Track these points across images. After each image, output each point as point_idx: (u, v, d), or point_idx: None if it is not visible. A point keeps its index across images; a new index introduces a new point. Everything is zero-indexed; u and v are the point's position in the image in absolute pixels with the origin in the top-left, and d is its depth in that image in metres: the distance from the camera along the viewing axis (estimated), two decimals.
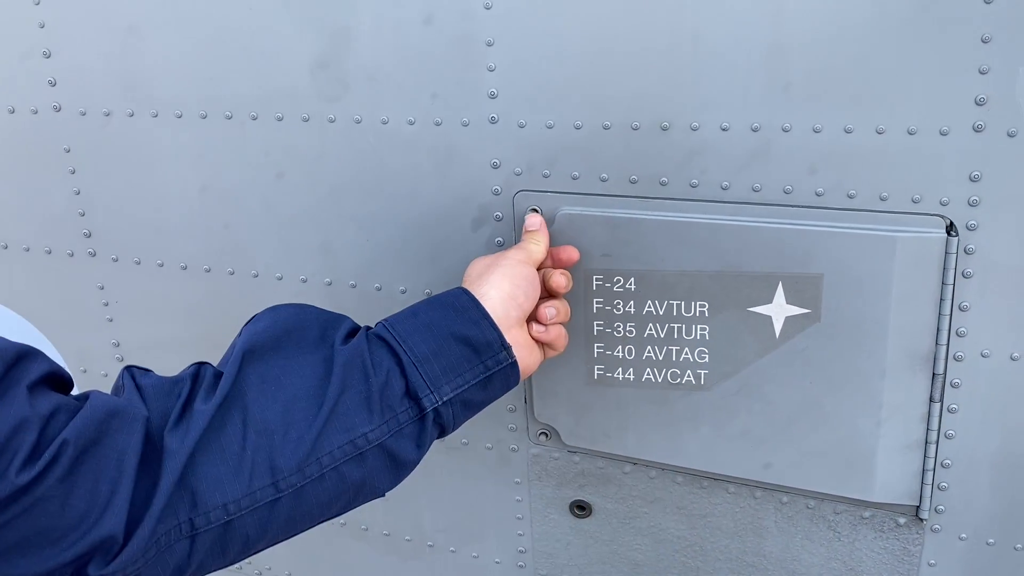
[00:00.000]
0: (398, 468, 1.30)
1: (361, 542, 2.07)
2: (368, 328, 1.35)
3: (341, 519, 2.06)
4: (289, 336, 1.28)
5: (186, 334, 1.94)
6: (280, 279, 1.81)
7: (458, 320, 1.32)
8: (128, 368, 1.21)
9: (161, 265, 1.88)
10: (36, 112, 1.83)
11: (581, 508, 1.85)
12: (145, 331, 1.99)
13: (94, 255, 1.91)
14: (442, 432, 1.35)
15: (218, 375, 1.22)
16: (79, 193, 1.86)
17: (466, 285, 1.41)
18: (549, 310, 1.46)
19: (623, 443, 1.72)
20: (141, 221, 1.87)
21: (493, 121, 1.58)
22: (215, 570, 1.19)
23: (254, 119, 1.70)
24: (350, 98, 1.63)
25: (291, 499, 1.20)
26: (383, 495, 1.33)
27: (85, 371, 2.11)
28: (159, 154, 1.79)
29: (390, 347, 1.29)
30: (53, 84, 1.80)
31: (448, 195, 1.64)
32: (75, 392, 1.14)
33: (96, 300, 1.95)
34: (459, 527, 1.97)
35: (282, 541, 1.27)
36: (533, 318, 1.46)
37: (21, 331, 2.01)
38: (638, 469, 1.76)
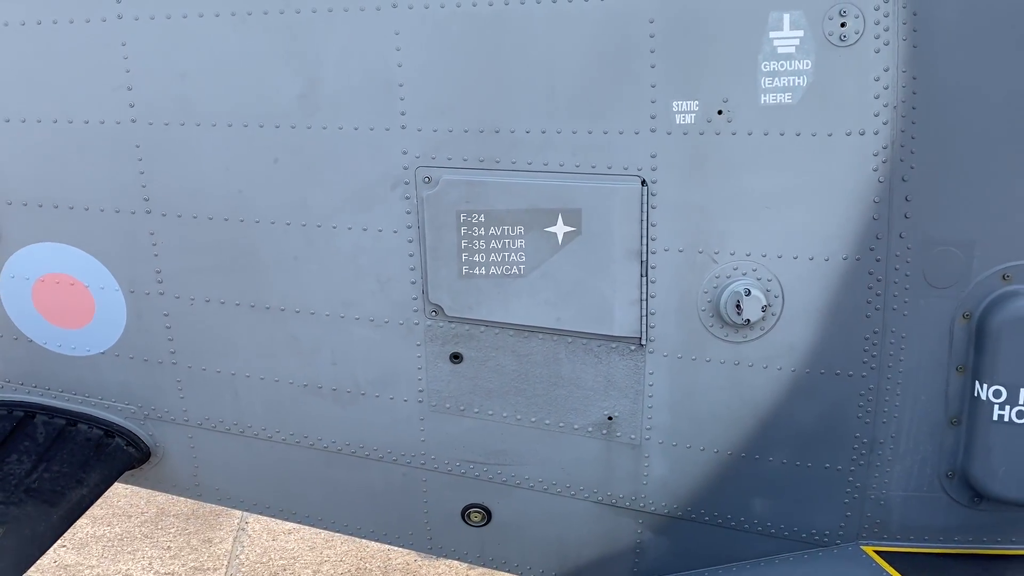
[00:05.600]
0: None
1: (317, 397, 3.23)
2: None
3: (304, 382, 3.21)
4: None
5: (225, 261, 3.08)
6: (273, 224, 2.99)
7: None
8: None
9: (195, 217, 3.02)
10: (119, 123, 2.94)
11: (456, 357, 3.11)
12: (183, 259, 3.09)
13: (150, 212, 3.03)
14: None
15: None
16: (143, 173, 2.97)
17: None
18: None
19: (480, 312, 3.01)
20: (183, 191, 3.01)
21: (403, 128, 2.86)
22: None
23: (261, 127, 2.89)
24: (321, 115, 2.86)
25: None
26: None
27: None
28: (201, 150, 2.94)
29: None
30: (132, 106, 2.93)
31: (379, 169, 2.89)
32: None
33: (148, 243, 3.06)
34: (381, 380, 3.18)
35: None
36: None
37: (87, 264, 3.08)
38: (489, 328, 3.05)
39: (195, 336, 3.17)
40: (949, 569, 3.03)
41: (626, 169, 2.84)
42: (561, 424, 3.14)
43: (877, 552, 3.13)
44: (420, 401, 3.18)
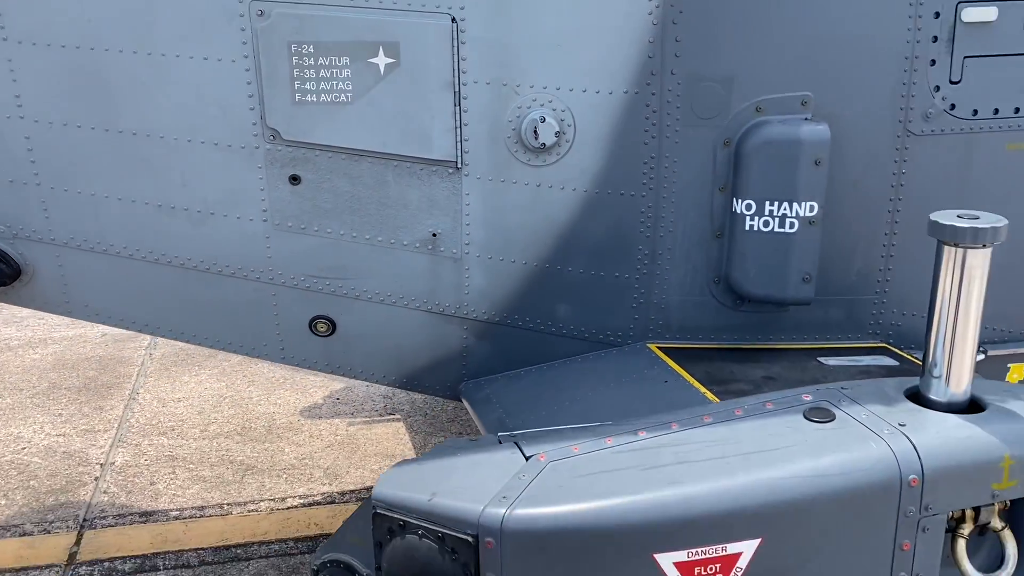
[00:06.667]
0: None
1: (170, 217, 3.61)
2: None
3: (158, 202, 3.58)
4: None
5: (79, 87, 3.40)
6: (121, 52, 3.31)
7: None
8: None
9: (49, 45, 3.31)
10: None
11: (295, 179, 3.53)
12: (40, 85, 3.38)
13: (6, 40, 3.30)
14: None
15: None
16: None
17: None
18: None
19: (314, 136, 3.42)
20: (36, 19, 3.28)
21: None
22: None
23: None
24: None
25: None
26: None
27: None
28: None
29: None
30: None
31: (216, 2, 3.23)
32: None
33: (6, 68, 3.35)
34: (228, 200, 3.57)
35: None
36: None
37: None
38: (323, 152, 3.47)
39: (56, 158, 3.49)
40: (715, 359, 3.65)
41: (438, 7, 3.25)
42: (392, 241, 3.62)
43: (660, 348, 3.74)
44: (264, 220, 3.59)
